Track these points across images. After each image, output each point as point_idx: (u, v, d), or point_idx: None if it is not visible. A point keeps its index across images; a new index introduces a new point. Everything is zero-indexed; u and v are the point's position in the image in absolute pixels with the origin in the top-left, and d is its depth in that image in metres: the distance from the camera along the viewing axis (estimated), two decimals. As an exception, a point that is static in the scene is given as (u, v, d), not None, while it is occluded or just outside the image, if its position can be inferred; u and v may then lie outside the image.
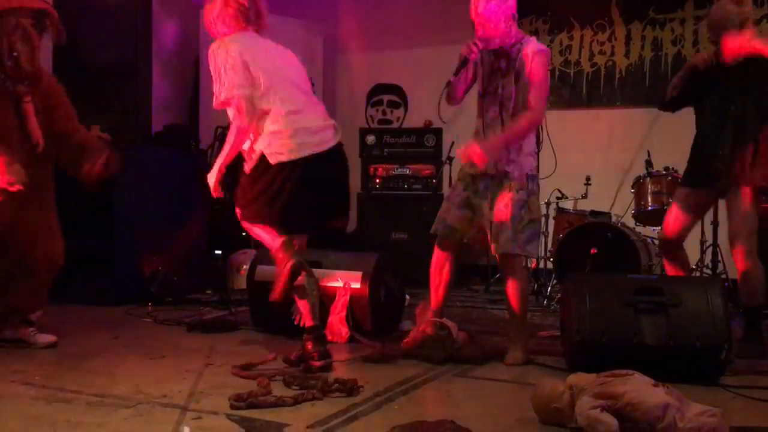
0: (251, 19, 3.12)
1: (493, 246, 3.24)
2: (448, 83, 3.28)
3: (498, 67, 3.28)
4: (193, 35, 6.54)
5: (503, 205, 3.21)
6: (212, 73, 3.02)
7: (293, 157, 2.99)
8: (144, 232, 4.73)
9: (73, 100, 3.49)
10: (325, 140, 3.10)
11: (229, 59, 2.97)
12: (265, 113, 3.01)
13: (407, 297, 4.28)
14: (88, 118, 4.16)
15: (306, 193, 3.04)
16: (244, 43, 3.03)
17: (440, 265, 3.45)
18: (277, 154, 2.98)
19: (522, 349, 3.24)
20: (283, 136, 3.00)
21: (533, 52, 3.19)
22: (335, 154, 3.14)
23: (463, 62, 3.20)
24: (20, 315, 3.43)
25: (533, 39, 3.30)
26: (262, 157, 3.00)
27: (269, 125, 3.01)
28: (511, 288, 3.27)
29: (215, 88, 3.02)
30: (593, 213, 5.08)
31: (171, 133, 5.19)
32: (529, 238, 3.24)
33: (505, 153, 3.23)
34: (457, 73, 3.24)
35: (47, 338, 3.43)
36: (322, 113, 3.19)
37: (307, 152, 3.01)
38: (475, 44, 3.17)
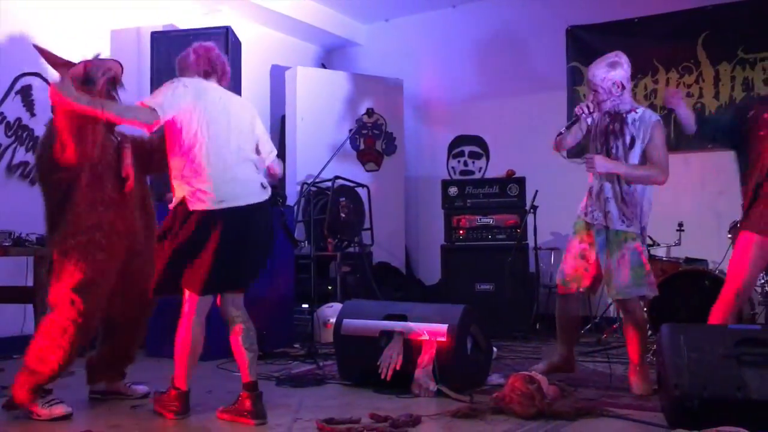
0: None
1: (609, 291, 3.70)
2: (559, 134, 3.78)
3: (612, 130, 3.68)
4: (280, 94, 6.81)
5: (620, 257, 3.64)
6: None
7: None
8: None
9: (162, 161, 3.63)
10: None
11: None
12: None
13: (495, 349, 4.20)
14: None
15: None
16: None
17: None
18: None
19: (644, 377, 3.58)
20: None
21: (654, 121, 3.64)
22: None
23: (574, 120, 3.75)
24: (125, 362, 3.55)
25: (647, 109, 3.76)
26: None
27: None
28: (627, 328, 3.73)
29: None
30: (688, 260, 4.88)
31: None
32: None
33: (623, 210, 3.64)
34: (568, 128, 3.78)
35: (142, 389, 3.56)
36: None
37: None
38: (587, 106, 3.67)
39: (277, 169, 3.42)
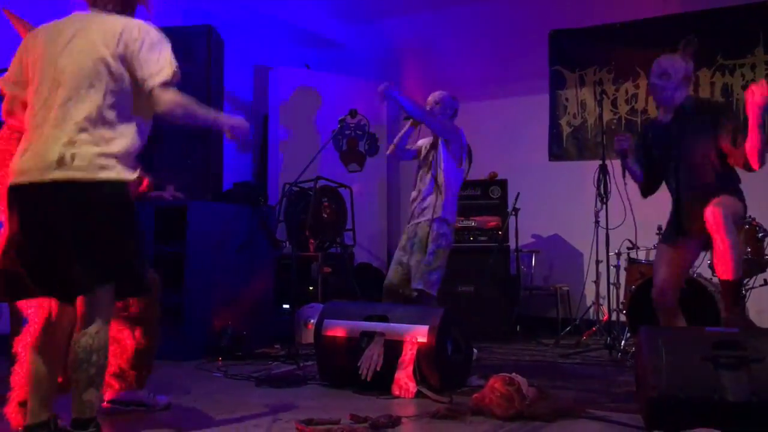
0: None
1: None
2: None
3: None
4: (263, 94, 6.79)
5: None
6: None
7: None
8: (214, 286, 4.84)
9: (149, 161, 3.59)
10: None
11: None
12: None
13: (475, 351, 4.21)
14: (164, 178, 4.33)
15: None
16: None
17: None
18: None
19: None
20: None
21: None
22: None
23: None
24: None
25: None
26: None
27: None
28: None
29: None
30: (666, 263, 4.90)
31: (240, 190, 5.34)
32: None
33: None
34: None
35: (165, 399, 3.28)
36: None
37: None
38: None
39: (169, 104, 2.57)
